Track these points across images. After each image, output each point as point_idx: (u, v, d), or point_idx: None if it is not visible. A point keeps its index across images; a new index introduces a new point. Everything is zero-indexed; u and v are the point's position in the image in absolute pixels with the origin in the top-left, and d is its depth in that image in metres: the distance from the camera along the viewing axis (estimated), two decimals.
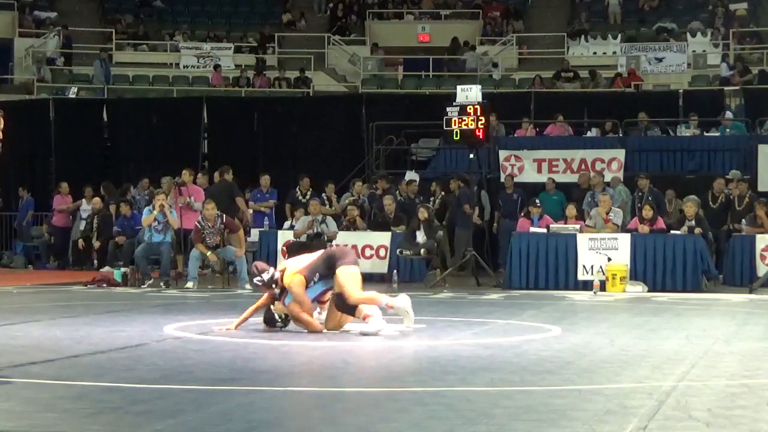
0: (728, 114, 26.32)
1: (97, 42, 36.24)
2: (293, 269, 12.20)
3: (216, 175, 23.19)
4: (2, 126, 9.11)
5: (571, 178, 23.85)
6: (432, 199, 23.14)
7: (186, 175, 22.01)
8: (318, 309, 12.49)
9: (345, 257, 12.25)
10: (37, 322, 13.13)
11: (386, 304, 12.16)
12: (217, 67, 34.61)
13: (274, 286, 12.19)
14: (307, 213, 21.24)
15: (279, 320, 12.25)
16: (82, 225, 24.28)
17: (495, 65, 35.21)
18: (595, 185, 22.41)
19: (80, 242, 23.89)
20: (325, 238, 20.26)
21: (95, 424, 7.03)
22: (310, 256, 12.41)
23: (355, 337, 11.82)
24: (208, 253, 19.17)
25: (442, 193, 23.22)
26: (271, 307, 12.26)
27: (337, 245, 12.87)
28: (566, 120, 26.63)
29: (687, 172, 24.44)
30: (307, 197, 22.65)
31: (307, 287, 12.10)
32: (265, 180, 23.98)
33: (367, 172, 25.35)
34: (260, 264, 12.65)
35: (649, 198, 21.71)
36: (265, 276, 12.21)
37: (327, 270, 12.12)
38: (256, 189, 24.14)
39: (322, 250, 12.78)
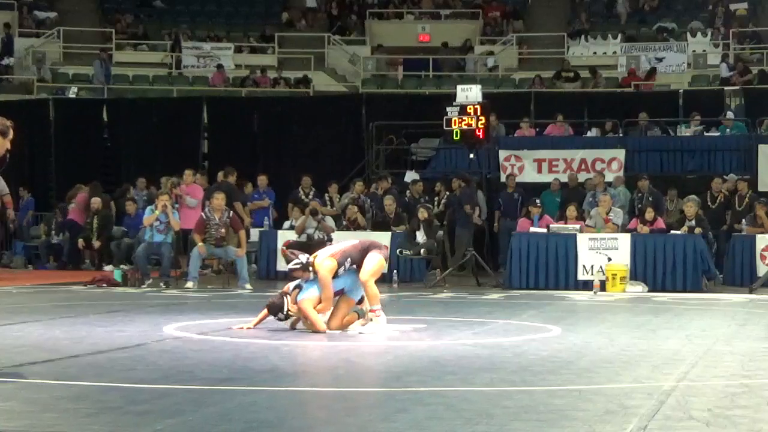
0: (729, 114, 26.33)
1: (97, 42, 36.24)
2: (325, 254, 12.23)
3: (220, 175, 23.15)
4: (12, 137, 9.12)
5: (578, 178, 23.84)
6: (436, 198, 23.13)
7: (188, 176, 21.99)
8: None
9: (379, 247, 12.44)
10: (37, 322, 13.12)
11: (371, 309, 12.22)
12: (220, 67, 34.56)
13: (310, 269, 12.12)
14: (303, 213, 21.23)
15: (283, 313, 12.16)
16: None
17: (490, 53, 35.15)
18: (596, 185, 22.41)
19: (80, 242, 23.85)
20: (325, 237, 20.24)
21: (95, 424, 7.03)
22: (345, 243, 12.55)
23: (355, 337, 11.82)
24: (199, 244, 19.00)
25: (447, 192, 23.22)
26: (286, 297, 12.21)
27: (360, 240, 12.91)
28: (566, 120, 26.63)
29: (687, 172, 24.45)
30: (310, 196, 22.66)
31: (336, 276, 12.08)
32: (261, 180, 23.97)
33: (367, 172, 25.34)
34: (294, 250, 12.75)
35: (650, 199, 21.71)
36: (302, 258, 12.19)
37: (360, 256, 12.19)
38: (254, 189, 24.14)
39: (357, 240, 12.80)
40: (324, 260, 12.09)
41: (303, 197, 22.79)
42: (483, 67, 34.95)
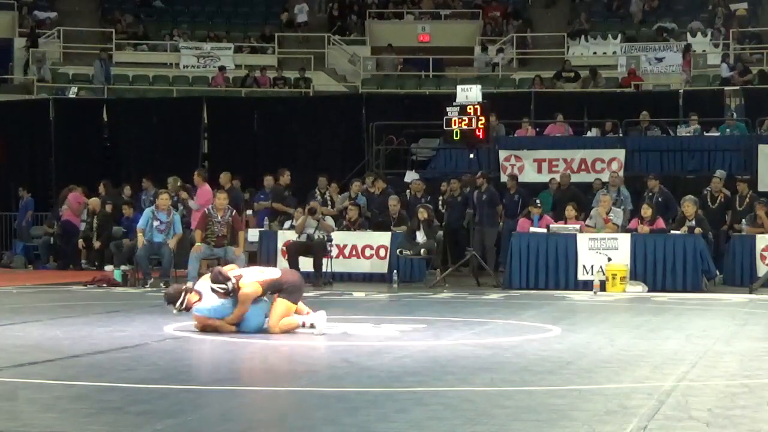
0: (734, 116, 26.32)
1: (97, 42, 36.24)
2: (255, 278, 12.03)
3: (223, 176, 22.94)
4: None
5: (571, 178, 23.83)
6: (440, 198, 23.11)
7: (198, 176, 21.98)
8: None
9: (291, 294, 12.11)
10: (37, 322, 13.13)
11: (303, 322, 12.08)
12: (222, 68, 34.53)
13: (231, 295, 11.97)
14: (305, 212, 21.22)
15: (176, 306, 12.27)
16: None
17: (500, 50, 35.18)
18: (611, 186, 22.38)
19: (80, 242, 23.85)
20: (324, 237, 20.24)
21: (95, 424, 7.04)
22: (273, 272, 12.35)
23: (355, 337, 11.82)
24: (196, 244, 18.98)
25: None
26: (187, 294, 12.23)
27: (292, 276, 12.51)
28: (566, 120, 26.63)
29: (687, 172, 24.43)
30: (326, 196, 22.63)
31: (257, 300, 12.01)
32: (267, 181, 23.93)
33: (367, 172, 25.34)
34: (225, 272, 12.18)
35: (660, 199, 21.67)
36: (229, 285, 11.91)
37: (271, 293, 12.04)
38: (259, 190, 24.09)
39: (280, 270, 12.65)
40: (251, 283, 11.93)
41: (319, 198, 22.65)
42: (487, 66, 34.91)
